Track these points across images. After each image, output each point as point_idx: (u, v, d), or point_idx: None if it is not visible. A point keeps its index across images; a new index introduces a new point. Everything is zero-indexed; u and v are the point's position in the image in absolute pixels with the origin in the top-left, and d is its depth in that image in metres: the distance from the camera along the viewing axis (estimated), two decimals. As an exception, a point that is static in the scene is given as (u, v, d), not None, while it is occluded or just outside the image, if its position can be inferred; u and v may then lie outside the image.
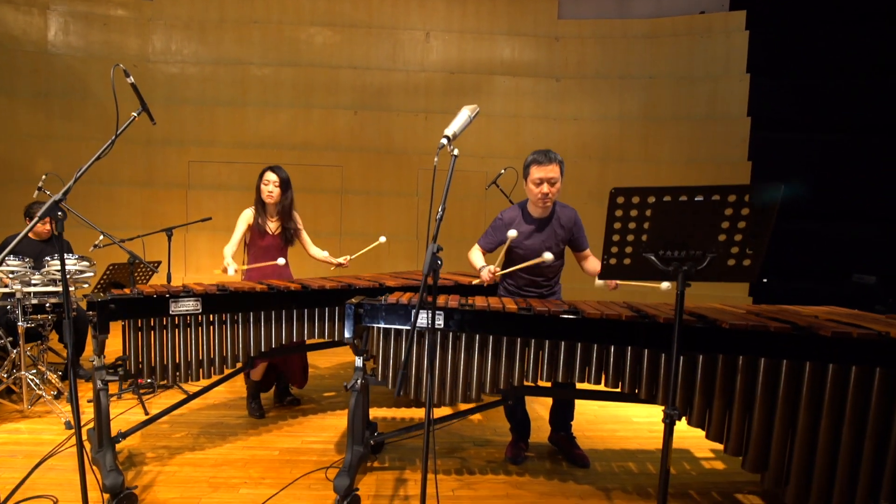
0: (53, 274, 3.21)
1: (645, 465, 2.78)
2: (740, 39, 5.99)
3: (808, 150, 5.82)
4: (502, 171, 3.77)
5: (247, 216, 3.24)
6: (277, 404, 3.45)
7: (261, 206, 3.23)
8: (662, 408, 1.74)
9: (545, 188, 2.52)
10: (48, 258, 3.17)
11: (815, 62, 5.83)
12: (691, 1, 6.22)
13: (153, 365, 2.38)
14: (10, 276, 3.05)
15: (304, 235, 3.43)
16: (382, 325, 2.24)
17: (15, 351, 3.19)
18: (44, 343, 3.54)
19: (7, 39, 6.00)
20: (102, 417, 2.24)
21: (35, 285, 3.18)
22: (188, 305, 2.36)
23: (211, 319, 2.51)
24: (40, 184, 3.22)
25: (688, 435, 3.19)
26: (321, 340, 3.18)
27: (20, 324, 3.03)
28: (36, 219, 1.75)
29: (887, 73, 5.64)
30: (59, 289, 3.23)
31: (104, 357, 2.26)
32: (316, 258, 3.45)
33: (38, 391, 3.09)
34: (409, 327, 2.18)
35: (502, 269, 2.57)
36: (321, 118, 6.33)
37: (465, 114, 1.82)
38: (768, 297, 5.71)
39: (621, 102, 6.30)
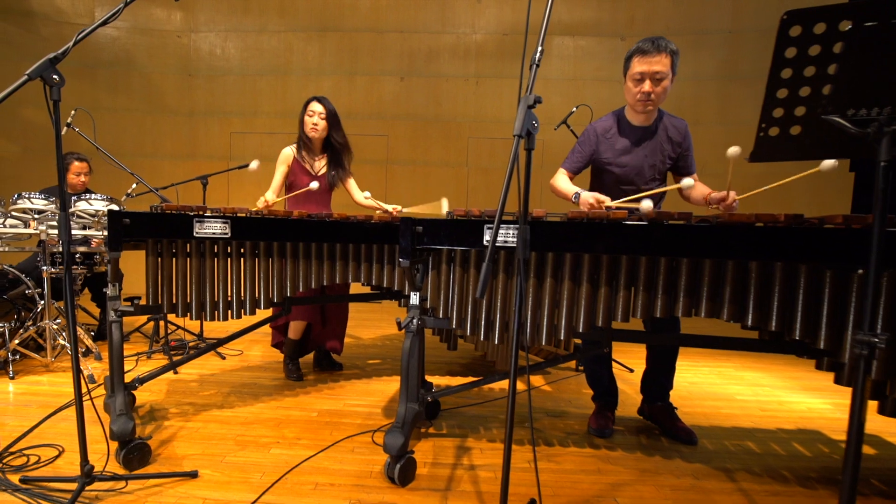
0: (82, 216, 2.94)
1: (768, 444, 2.21)
2: (837, -17, 5.26)
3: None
4: (574, 108, 3.27)
5: (286, 156, 2.88)
6: (317, 369, 3.06)
7: (305, 142, 2.87)
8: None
9: (646, 86, 2.01)
10: (74, 197, 2.90)
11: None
12: (777, -56, 5.54)
13: (174, 300, 2.02)
14: (35, 216, 2.80)
15: (352, 181, 3.04)
16: (445, 247, 1.79)
17: (42, 302, 2.94)
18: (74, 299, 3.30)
19: (54, 12, 5.98)
20: (114, 355, 1.89)
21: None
22: (215, 227, 1.99)
23: (242, 251, 2.13)
24: (69, 119, 2.97)
25: (813, 414, 2.61)
26: (366, 290, 2.78)
27: (44, 268, 2.77)
28: (24, 77, 1.40)
29: None
30: (88, 232, 2.97)
31: (118, 286, 1.92)
32: (362, 204, 3.05)
33: (61, 341, 2.81)
34: (479, 248, 1.73)
35: (619, 196, 2.05)
36: (366, 85, 6.01)
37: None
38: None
39: (696, 61, 5.66)
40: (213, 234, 1.99)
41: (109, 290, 1.91)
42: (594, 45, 5.85)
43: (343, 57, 6.03)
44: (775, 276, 1.54)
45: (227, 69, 6.15)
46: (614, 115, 2.21)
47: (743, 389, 3.01)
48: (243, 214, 2.07)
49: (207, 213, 1.99)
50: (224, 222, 2.01)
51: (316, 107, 2.82)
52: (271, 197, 2.83)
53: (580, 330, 1.70)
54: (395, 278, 2.39)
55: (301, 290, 2.24)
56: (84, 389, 2.51)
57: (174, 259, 2.01)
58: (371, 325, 4.51)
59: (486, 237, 1.70)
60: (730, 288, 1.57)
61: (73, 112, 3.02)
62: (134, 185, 3.36)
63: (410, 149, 6.00)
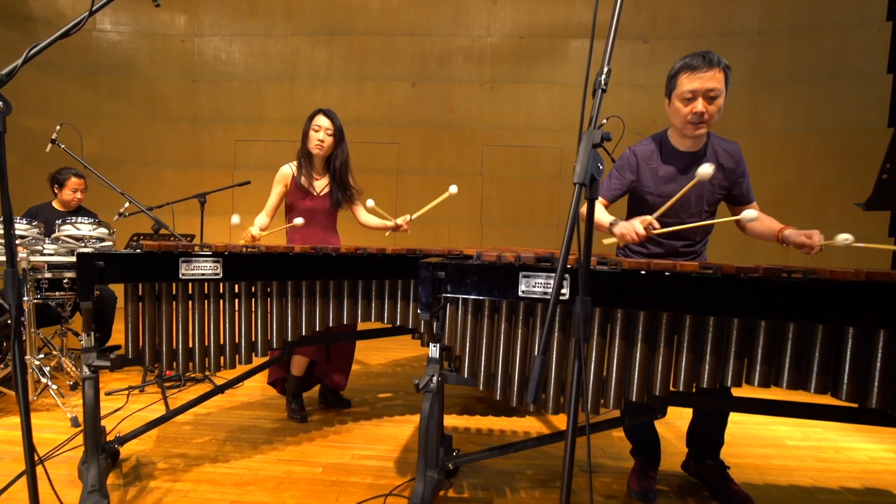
0: (68, 241, 2.71)
1: (837, 513, 1.92)
2: (878, -20, 4.93)
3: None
4: (604, 120, 2.98)
5: (284, 175, 2.64)
6: (322, 406, 2.81)
7: (307, 158, 2.63)
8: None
9: (699, 105, 1.73)
10: (58, 221, 2.67)
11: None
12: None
13: (157, 348, 1.77)
14: (16, 241, 2.57)
15: (359, 200, 2.80)
16: (473, 297, 1.53)
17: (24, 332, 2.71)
18: (63, 325, 3.07)
19: (56, 17, 5.79)
20: (88, 417, 1.64)
21: (48, 255, 2.69)
22: (205, 268, 1.74)
23: (236, 290, 1.88)
24: (54, 135, 2.74)
25: (878, 466, 2.32)
26: (377, 326, 2.52)
27: (25, 299, 2.54)
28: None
29: None
30: (74, 259, 2.73)
31: (94, 334, 1.68)
32: (367, 225, 2.81)
33: (43, 379, 2.58)
34: (512, 299, 1.46)
35: (662, 226, 1.76)
36: (375, 91, 5.75)
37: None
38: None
39: (722, 64, 5.35)
40: (203, 275, 1.74)
41: (84, 341, 1.66)
42: (614, 48, 5.55)
43: (352, 61, 5.78)
44: (877, 345, 1.26)
45: (231, 74, 5.92)
46: (655, 139, 1.94)
47: (792, 431, 2.72)
48: (237, 251, 1.82)
49: (196, 251, 1.74)
50: (215, 261, 1.76)
51: (322, 121, 2.57)
52: (263, 220, 2.62)
53: (633, 399, 1.43)
54: (409, 316, 2.14)
55: (304, 332, 1.99)
56: (69, 435, 2.29)
57: (157, 303, 1.75)
58: (379, 348, 4.25)
59: (522, 287, 1.44)
60: (819, 356, 1.29)
61: (58, 127, 2.78)
62: (126, 205, 3.13)
63: (422, 157, 5.74)
